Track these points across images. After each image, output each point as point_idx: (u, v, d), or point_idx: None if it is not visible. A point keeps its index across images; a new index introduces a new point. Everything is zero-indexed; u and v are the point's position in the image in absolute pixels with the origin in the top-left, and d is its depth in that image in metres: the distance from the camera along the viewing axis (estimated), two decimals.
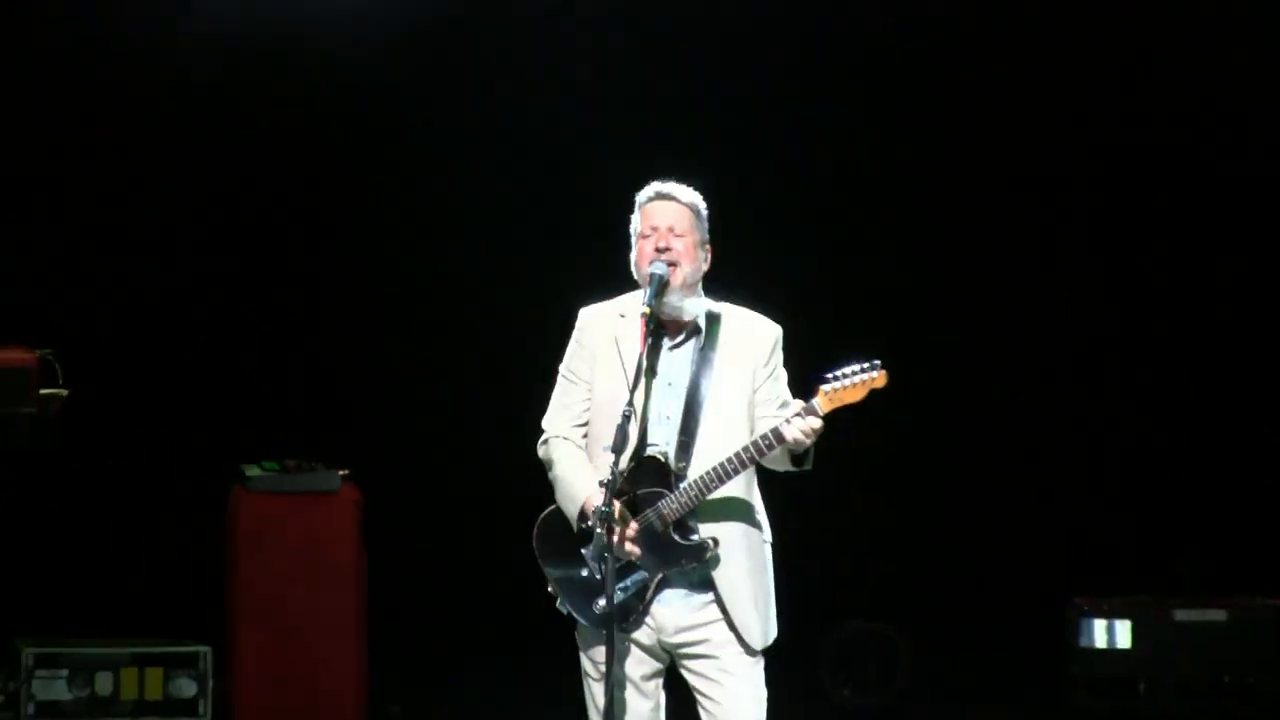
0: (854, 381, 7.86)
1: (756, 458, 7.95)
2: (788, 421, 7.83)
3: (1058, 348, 14.84)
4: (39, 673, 11.46)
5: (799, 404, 7.84)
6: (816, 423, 7.77)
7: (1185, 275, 15.15)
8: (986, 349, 14.55)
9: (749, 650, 7.92)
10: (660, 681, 7.99)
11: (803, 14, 14.72)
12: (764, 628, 7.93)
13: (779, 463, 7.96)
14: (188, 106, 14.60)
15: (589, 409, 8.20)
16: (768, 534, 8.10)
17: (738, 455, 7.97)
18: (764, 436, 7.93)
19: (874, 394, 7.82)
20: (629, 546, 7.94)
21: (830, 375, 7.87)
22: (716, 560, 7.99)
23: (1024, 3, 14.98)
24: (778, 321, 8.08)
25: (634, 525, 7.93)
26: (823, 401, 7.79)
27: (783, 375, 8.24)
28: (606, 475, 7.76)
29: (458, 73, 14.97)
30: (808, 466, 7.96)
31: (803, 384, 7.90)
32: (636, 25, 14.77)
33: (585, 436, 8.21)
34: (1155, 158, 14.86)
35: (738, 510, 8.21)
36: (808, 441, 7.79)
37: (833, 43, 14.72)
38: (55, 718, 11.51)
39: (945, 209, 14.97)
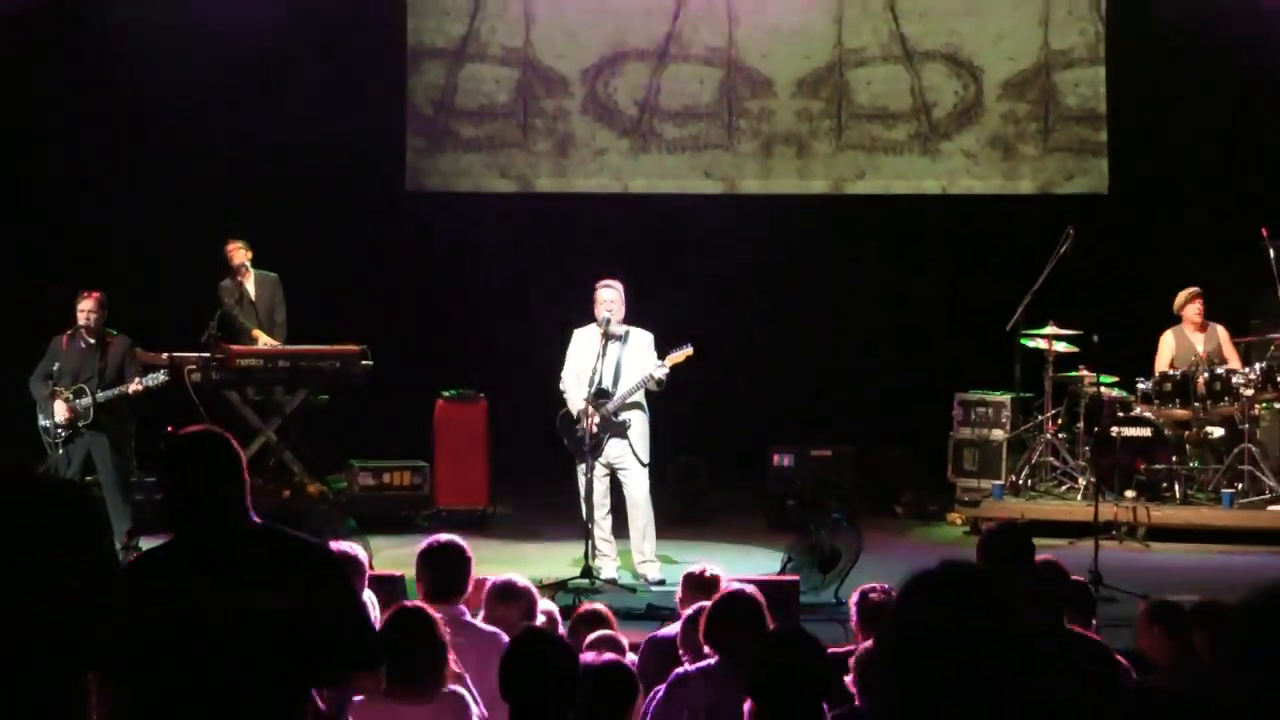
0: (681, 352, 9.84)
1: (643, 386, 9.92)
2: (655, 369, 9.81)
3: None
4: (359, 474, 12.24)
5: (660, 364, 9.83)
6: (666, 370, 9.82)
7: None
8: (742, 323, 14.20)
9: (641, 464, 10.01)
10: (608, 481, 10.08)
11: None
12: (647, 456, 10.01)
13: (652, 386, 9.91)
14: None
15: (578, 370, 10.03)
16: (648, 415, 10.08)
17: (636, 384, 9.89)
18: (646, 376, 9.81)
19: (689, 359, 9.86)
20: (593, 422, 9.87)
21: (672, 351, 9.86)
22: (629, 427, 9.96)
23: None
24: (648, 330, 10.12)
25: (596, 415, 9.88)
26: (668, 361, 9.81)
27: (654, 351, 9.96)
28: (585, 394, 9.89)
29: None
30: (662, 389, 9.94)
31: (662, 350, 9.92)
32: None
33: (575, 381, 10.03)
34: None
35: (637, 407, 10.03)
36: (664, 378, 9.85)
37: None
38: (366, 491, 12.16)
39: None
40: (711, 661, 5.09)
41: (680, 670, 5.17)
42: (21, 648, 3.15)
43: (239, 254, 12.24)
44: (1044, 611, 5.43)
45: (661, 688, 5.19)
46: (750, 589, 5.34)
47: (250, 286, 12.36)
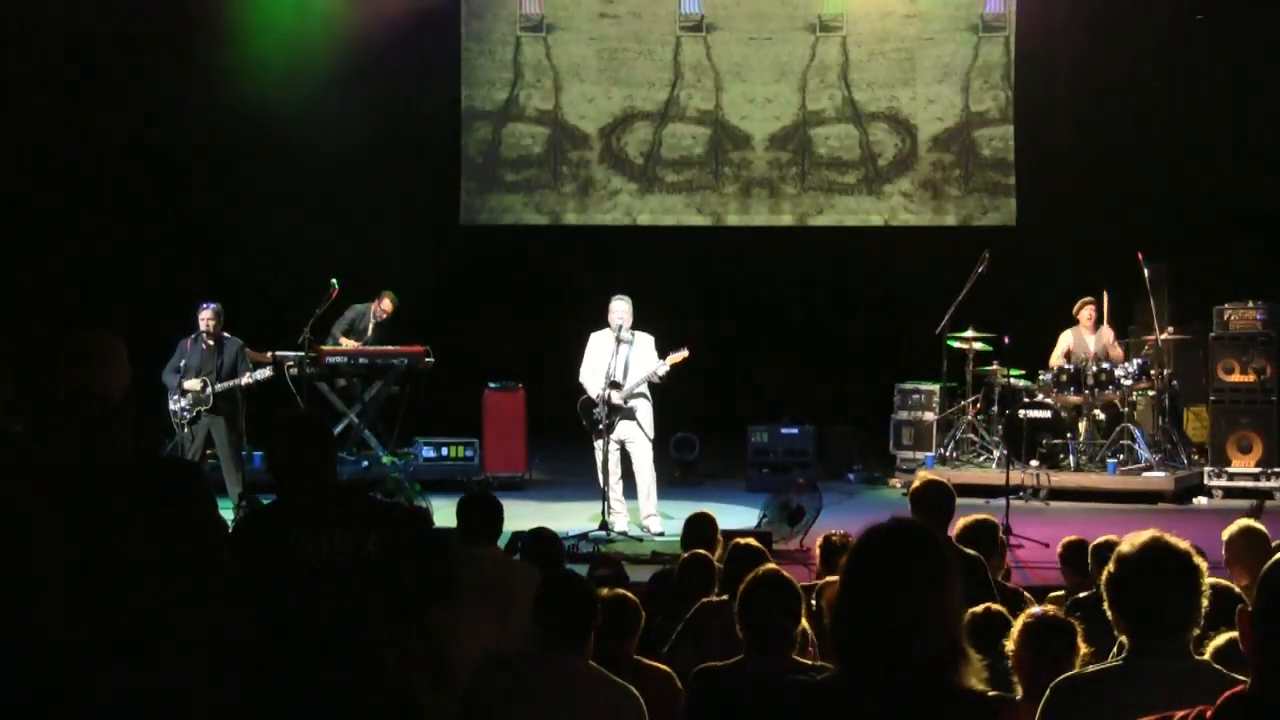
0: (679, 354, 9.52)
1: (647, 380, 9.62)
2: (658, 367, 9.55)
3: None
4: (423, 448, 11.90)
5: (661, 362, 9.53)
6: (666, 368, 9.53)
7: None
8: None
9: (645, 440, 9.73)
10: (619, 453, 9.74)
11: None
12: (651, 434, 9.70)
13: (655, 380, 9.63)
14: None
15: (595, 366, 9.73)
16: (651, 402, 9.76)
17: (642, 378, 9.59)
18: (650, 372, 9.51)
19: (686, 358, 9.53)
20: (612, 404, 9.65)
21: (672, 352, 9.54)
22: (636, 411, 9.67)
23: None
24: (651, 334, 9.82)
25: (610, 401, 9.68)
26: (669, 361, 9.50)
27: (655, 351, 9.67)
28: (603, 383, 9.65)
29: None
30: (663, 382, 9.66)
31: (662, 351, 9.61)
32: None
33: (593, 374, 9.74)
34: None
35: (642, 396, 9.74)
36: (665, 374, 9.61)
37: None
38: (428, 462, 11.81)
39: None
40: (725, 597, 5.04)
41: (706, 600, 5.06)
42: (152, 600, 3.03)
43: (389, 303, 12.38)
44: (971, 563, 5.36)
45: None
46: (756, 544, 5.22)
47: (371, 324, 12.37)
